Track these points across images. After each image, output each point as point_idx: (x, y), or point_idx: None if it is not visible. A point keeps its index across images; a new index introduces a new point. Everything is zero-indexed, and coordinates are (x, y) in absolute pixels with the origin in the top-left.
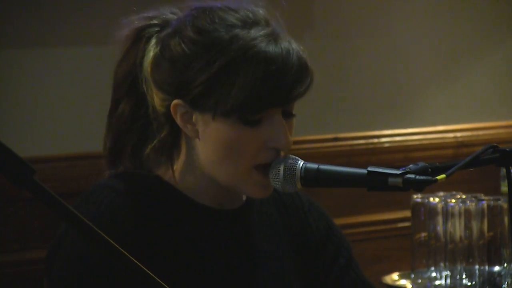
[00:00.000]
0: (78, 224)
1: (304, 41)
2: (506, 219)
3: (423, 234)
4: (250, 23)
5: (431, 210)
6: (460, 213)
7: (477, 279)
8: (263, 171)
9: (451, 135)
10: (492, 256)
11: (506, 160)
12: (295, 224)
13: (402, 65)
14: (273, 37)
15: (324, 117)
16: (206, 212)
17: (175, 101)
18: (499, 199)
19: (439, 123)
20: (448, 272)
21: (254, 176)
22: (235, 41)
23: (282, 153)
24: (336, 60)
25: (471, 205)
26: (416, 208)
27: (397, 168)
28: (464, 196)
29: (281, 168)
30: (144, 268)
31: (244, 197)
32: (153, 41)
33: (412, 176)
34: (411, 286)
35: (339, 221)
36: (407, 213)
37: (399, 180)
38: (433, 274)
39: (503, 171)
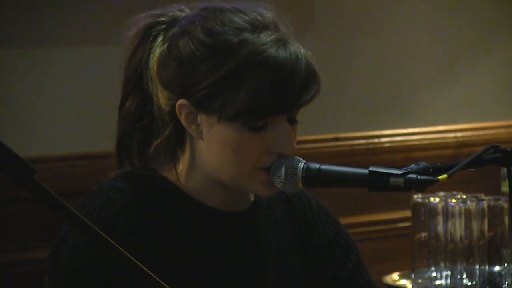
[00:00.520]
0: (78, 224)
1: (305, 41)
2: (506, 219)
3: (424, 234)
4: (260, 27)
5: (432, 210)
6: (460, 213)
7: (477, 279)
8: (266, 171)
9: (451, 135)
10: (493, 256)
11: (506, 160)
12: (303, 226)
13: (402, 65)
14: (282, 43)
15: (325, 117)
16: (213, 215)
17: (180, 101)
18: (499, 199)
19: (439, 123)
20: (449, 272)
21: (258, 176)
22: (244, 45)
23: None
24: (337, 60)
25: (472, 205)
26: (416, 208)
27: (398, 168)
28: (464, 196)
29: (283, 168)
30: (144, 268)
31: (252, 198)
32: (160, 38)
33: (414, 176)
34: (411, 286)
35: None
36: (408, 213)
37: (401, 180)
38: (434, 274)
39: (504, 171)
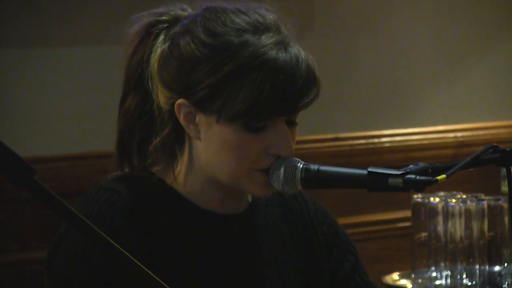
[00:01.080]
0: (78, 224)
1: (305, 41)
2: (506, 219)
3: (424, 234)
4: (261, 29)
5: (432, 210)
6: (460, 213)
7: (477, 279)
8: (264, 172)
9: (451, 135)
10: (493, 256)
11: (506, 160)
12: (301, 228)
13: (402, 65)
14: (283, 45)
15: (324, 117)
16: (210, 218)
17: (180, 100)
18: (499, 199)
19: (439, 123)
20: (449, 272)
21: (255, 176)
22: (245, 47)
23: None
24: (337, 60)
25: (472, 205)
26: (416, 208)
27: (398, 168)
28: (464, 196)
29: (282, 169)
30: (144, 268)
31: (249, 199)
32: (161, 37)
33: (413, 176)
34: (411, 286)
35: (339, 221)
36: (408, 213)
37: (400, 180)
38: (434, 274)
39: (504, 171)
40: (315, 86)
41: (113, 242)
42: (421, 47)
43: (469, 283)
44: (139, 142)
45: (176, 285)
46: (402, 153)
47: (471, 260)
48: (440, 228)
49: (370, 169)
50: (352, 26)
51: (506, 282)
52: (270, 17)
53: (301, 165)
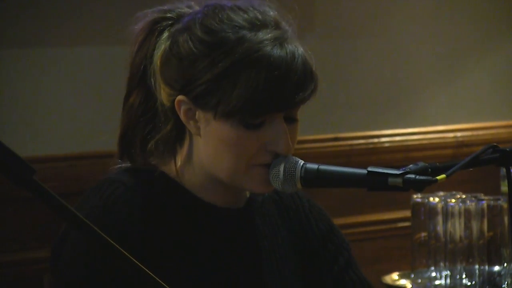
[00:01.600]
0: (78, 224)
1: (305, 41)
2: (506, 219)
3: (423, 234)
4: (258, 25)
5: (431, 210)
6: (460, 213)
7: (477, 279)
8: (262, 168)
9: (451, 135)
10: (492, 256)
11: (506, 160)
12: (296, 225)
13: (402, 65)
14: (280, 41)
15: (324, 117)
16: (211, 210)
17: (179, 97)
18: (499, 199)
19: (439, 123)
20: (448, 272)
21: (253, 173)
22: (241, 43)
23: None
24: (337, 60)
25: (471, 205)
26: (416, 208)
27: (397, 168)
28: (464, 196)
29: (281, 168)
30: (143, 267)
31: (247, 195)
32: (165, 34)
33: (412, 176)
34: (411, 286)
35: (339, 221)
36: (407, 213)
37: (399, 180)
38: (433, 274)
39: (503, 171)
40: (311, 82)
41: (113, 242)
42: (421, 47)
43: (469, 283)
44: (142, 138)
45: (176, 274)
46: (401, 153)
47: (470, 260)
48: (439, 228)
49: (369, 169)
50: (352, 26)
51: (506, 282)
52: (270, 13)
53: (301, 164)
